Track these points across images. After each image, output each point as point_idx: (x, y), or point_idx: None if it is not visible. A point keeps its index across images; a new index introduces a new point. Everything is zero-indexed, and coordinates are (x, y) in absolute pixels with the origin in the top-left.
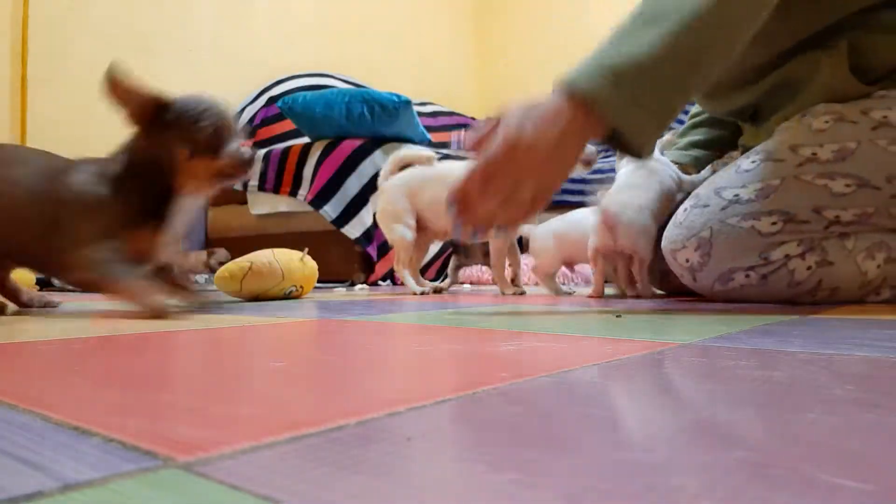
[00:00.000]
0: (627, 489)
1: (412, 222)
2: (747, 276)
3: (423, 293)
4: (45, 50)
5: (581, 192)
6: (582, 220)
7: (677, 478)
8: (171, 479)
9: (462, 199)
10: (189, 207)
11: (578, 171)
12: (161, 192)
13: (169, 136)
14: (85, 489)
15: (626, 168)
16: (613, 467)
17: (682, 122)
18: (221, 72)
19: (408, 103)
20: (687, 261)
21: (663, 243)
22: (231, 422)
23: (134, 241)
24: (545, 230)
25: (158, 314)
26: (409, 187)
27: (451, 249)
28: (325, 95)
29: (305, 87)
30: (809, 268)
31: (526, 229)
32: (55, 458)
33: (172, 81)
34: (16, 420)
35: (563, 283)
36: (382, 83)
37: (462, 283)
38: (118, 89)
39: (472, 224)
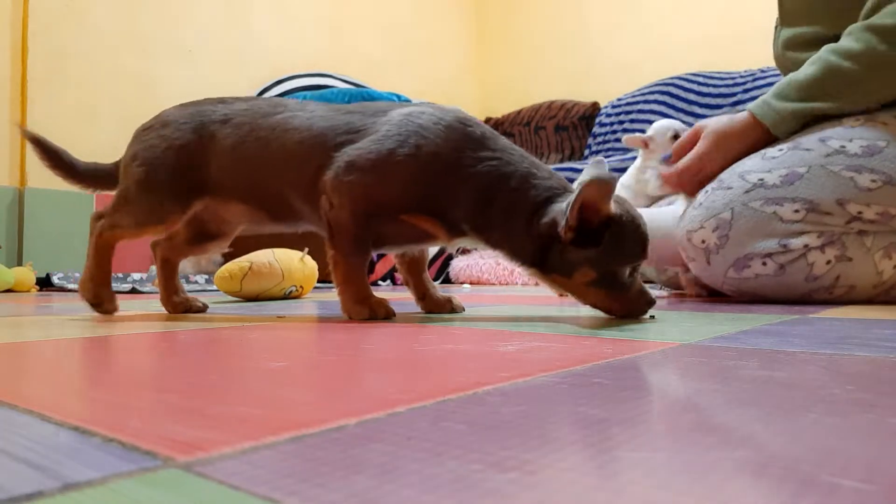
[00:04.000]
0: (629, 489)
1: None
2: (764, 263)
3: None
4: (45, 50)
5: None
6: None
7: (678, 478)
8: (171, 479)
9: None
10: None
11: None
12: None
13: (590, 250)
14: (85, 489)
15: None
16: (614, 468)
17: None
18: (221, 72)
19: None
20: (703, 241)
21: (680, 227)
22: (231, 422)
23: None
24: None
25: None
26: None
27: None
28: (325, 95)
29: (305, 87)
30: (829, 262)
31: None
32: (55, 458)
33: (172, 81)
34: (16, 420)
35: None
36: (382, 83)
37: (462, 282)
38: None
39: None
